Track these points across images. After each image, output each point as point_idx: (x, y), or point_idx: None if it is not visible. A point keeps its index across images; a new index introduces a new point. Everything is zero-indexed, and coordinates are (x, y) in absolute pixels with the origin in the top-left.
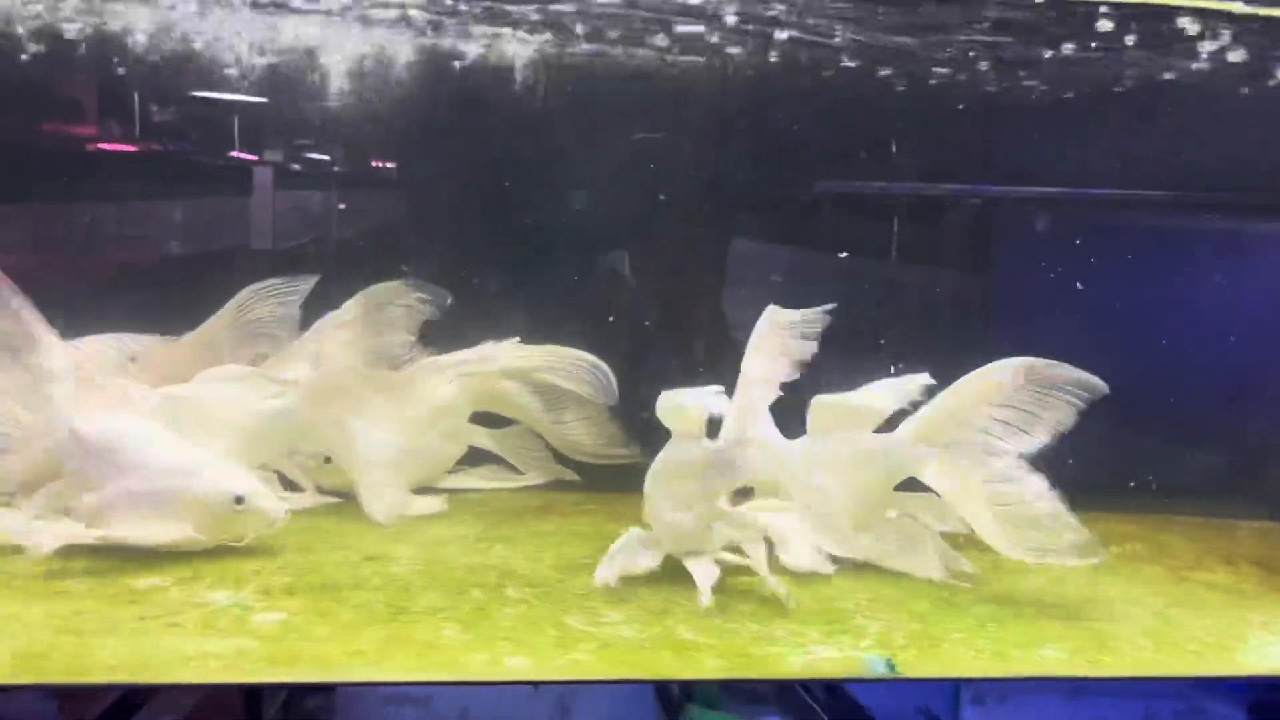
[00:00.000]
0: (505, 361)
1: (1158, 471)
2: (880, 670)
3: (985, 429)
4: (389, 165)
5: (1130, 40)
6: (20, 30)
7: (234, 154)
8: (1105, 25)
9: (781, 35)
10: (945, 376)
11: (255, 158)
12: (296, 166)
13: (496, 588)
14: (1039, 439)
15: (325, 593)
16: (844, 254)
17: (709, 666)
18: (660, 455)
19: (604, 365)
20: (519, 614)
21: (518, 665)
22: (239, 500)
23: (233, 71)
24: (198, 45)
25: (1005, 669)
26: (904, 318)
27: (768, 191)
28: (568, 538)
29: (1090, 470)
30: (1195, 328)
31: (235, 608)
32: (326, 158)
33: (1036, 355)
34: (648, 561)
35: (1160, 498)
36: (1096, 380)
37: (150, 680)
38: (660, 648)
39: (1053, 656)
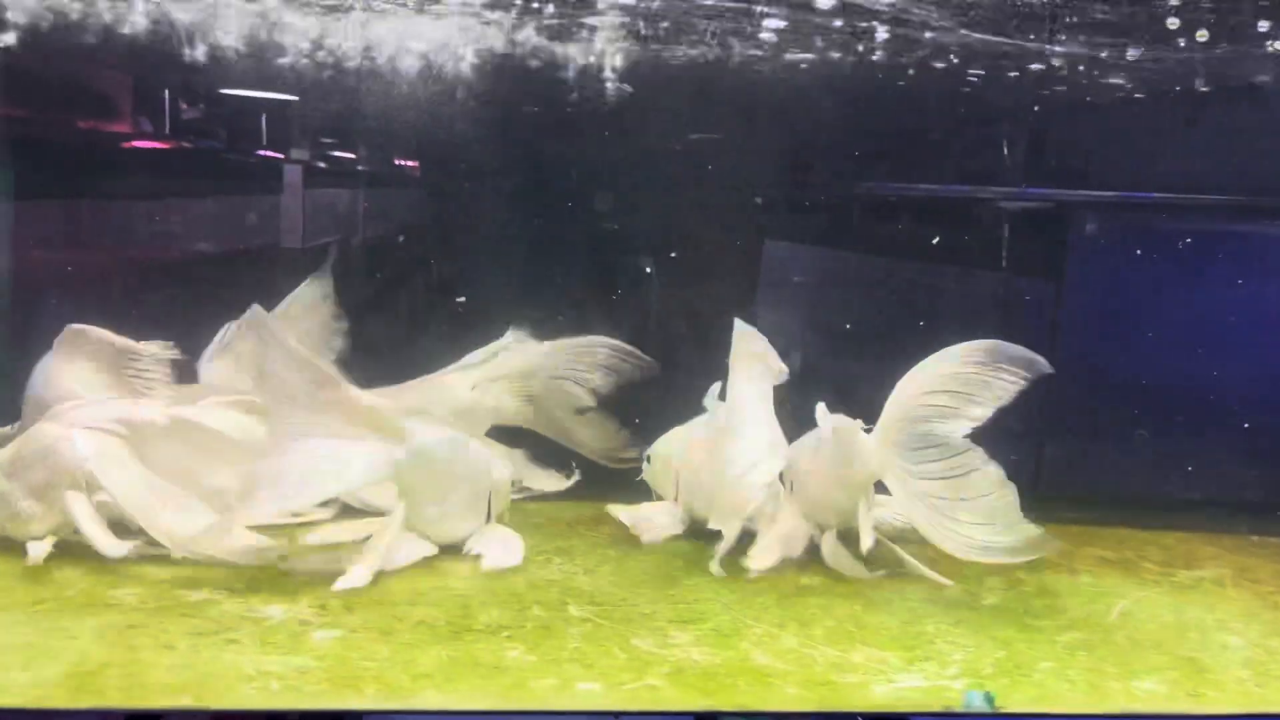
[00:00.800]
0: (524, 361)
1: (1232, 488)
2: (979, 705)
3: (932, 418)
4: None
5: (1203, 38)
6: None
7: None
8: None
9: (876, 31)
10: None
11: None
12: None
13: (559, 605)
14: (984, 413)
15: (383, 609)
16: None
17: (789, 695)
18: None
19: (625, 345)
20: (584, 634)
21: (589, 690)
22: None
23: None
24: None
25: (1103, 703)
26: (968, 322)
27: (843, 194)
28: (627, 550)
29: (1163, 486)
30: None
31: (292, 623)
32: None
33: (1108, 366)
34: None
35: (1235, 514)
36: (1039, 359)
37: (213, 705)
38: (736, 674)
39: (1151, 690)
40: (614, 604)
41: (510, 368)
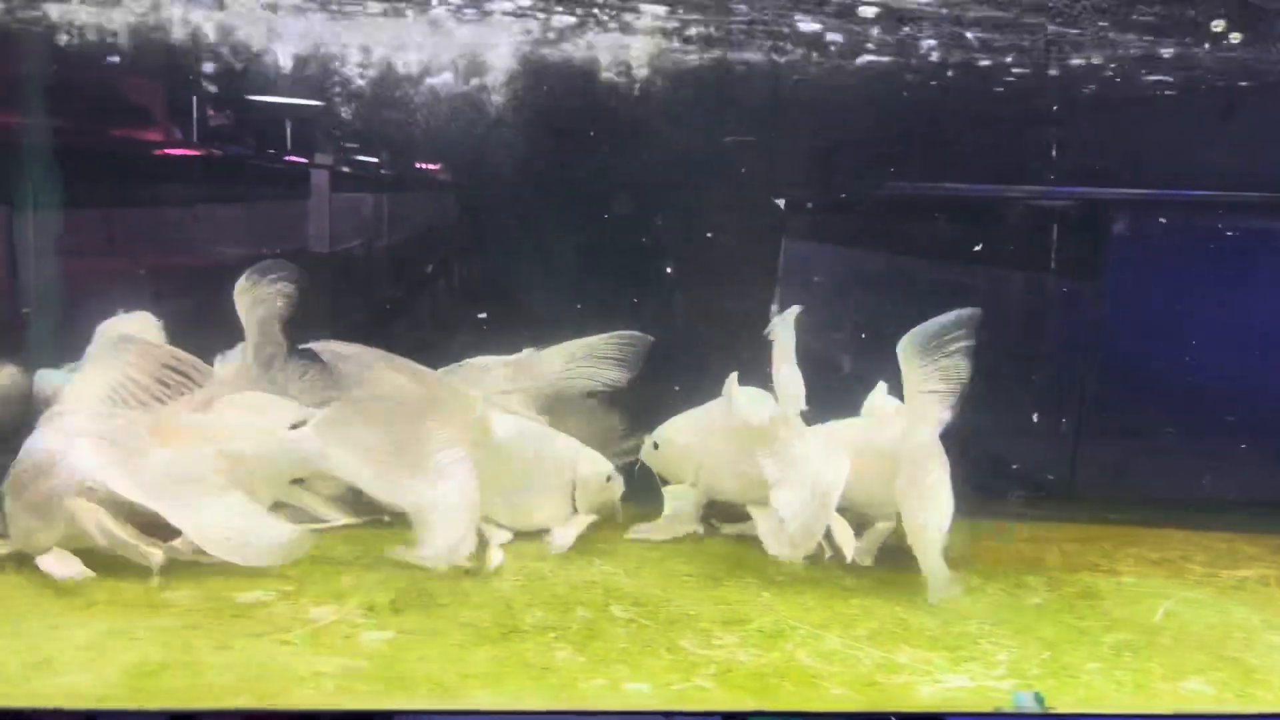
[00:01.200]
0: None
1: (1276, 488)
2: (1029, 705)
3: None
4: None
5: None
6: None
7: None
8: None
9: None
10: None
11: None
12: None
13: (602, 606)
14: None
15: (429, 610)
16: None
17: (834, 696)
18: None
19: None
20: (630, 634)
21: (638, 690)
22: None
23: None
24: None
25: (1151, 704)
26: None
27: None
28: (667, 552)
29: (1207, 486)
30: None
31: (342, 624)
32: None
33: (1153, 368)
34: None
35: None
36: (963, 311)
37: (270, 705)
38: (781, 675)
39: (1199, 690)
40: (657, 605)
41: (523, 380)
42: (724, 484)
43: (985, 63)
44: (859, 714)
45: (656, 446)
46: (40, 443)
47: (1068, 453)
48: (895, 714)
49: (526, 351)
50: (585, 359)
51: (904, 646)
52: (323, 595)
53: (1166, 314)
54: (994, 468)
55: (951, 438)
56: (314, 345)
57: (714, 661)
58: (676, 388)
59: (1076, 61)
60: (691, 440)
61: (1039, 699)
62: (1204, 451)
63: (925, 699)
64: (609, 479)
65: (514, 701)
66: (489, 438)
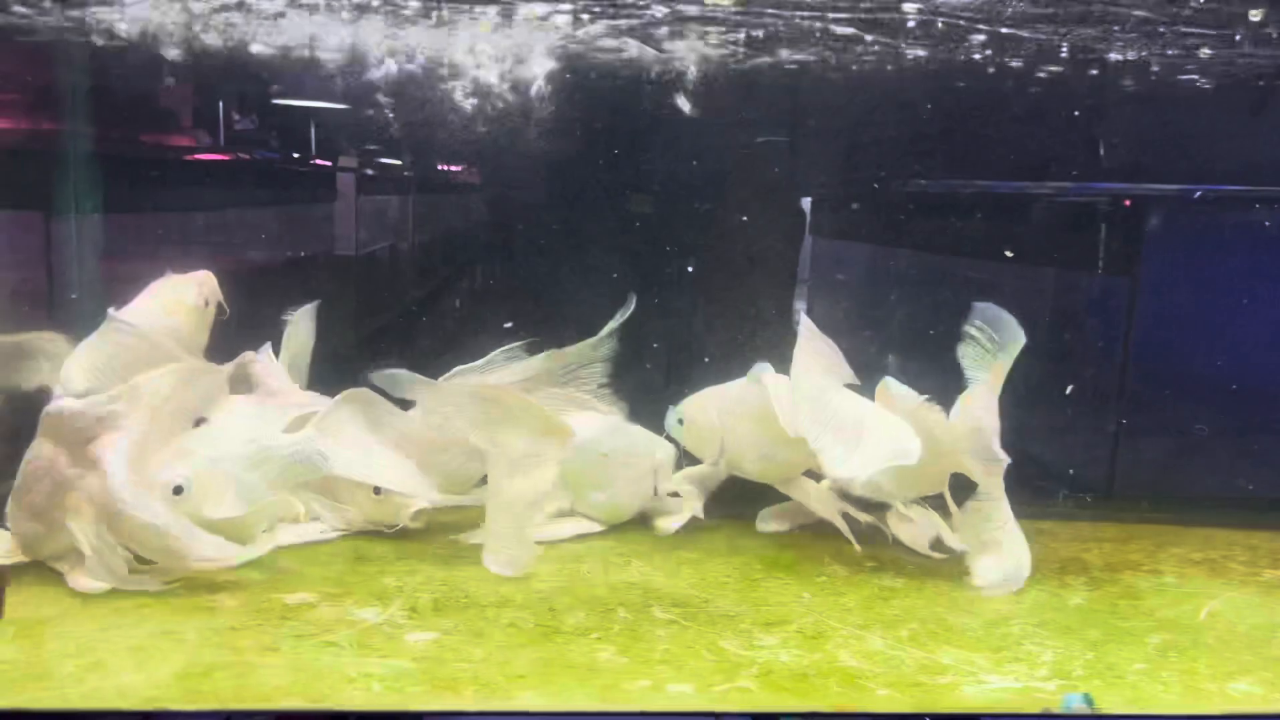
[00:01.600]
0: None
1: None
2: (1079, 706)
3: None
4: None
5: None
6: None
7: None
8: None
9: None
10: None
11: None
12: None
13: (642, 607)
14: None
15: (472, 611)
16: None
17: (880, 697)
18: None
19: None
20: (671, 636)
21: (682, 691)
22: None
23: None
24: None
25: (1199, 705)
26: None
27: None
28: (705, 553)
29: (1248, 484)
30: None
31: (386, 625)
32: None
33: (1194, 365)
34: None
35: None
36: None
37: (320, 705)
38: (825, 675)
39: (1248, 691)
40: (697, 606)
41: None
42: (747, 465)
43: (1015, 61)
44: (897, 714)
45: (681, 422)
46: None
47: (1107, 451)
48: (930, 715)
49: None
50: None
51: (947, 647)
52: (366, 597)
53: (1207, 310)
54: (1032, 466)
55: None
56: (380, 377)
57: (756, 662)
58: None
59: (1115, 57)
60: (715, 419)
61: (1088, 700)
62: (1247, 449)
63: (971, 699)
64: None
65: (560, 703)
66: (569, 439)
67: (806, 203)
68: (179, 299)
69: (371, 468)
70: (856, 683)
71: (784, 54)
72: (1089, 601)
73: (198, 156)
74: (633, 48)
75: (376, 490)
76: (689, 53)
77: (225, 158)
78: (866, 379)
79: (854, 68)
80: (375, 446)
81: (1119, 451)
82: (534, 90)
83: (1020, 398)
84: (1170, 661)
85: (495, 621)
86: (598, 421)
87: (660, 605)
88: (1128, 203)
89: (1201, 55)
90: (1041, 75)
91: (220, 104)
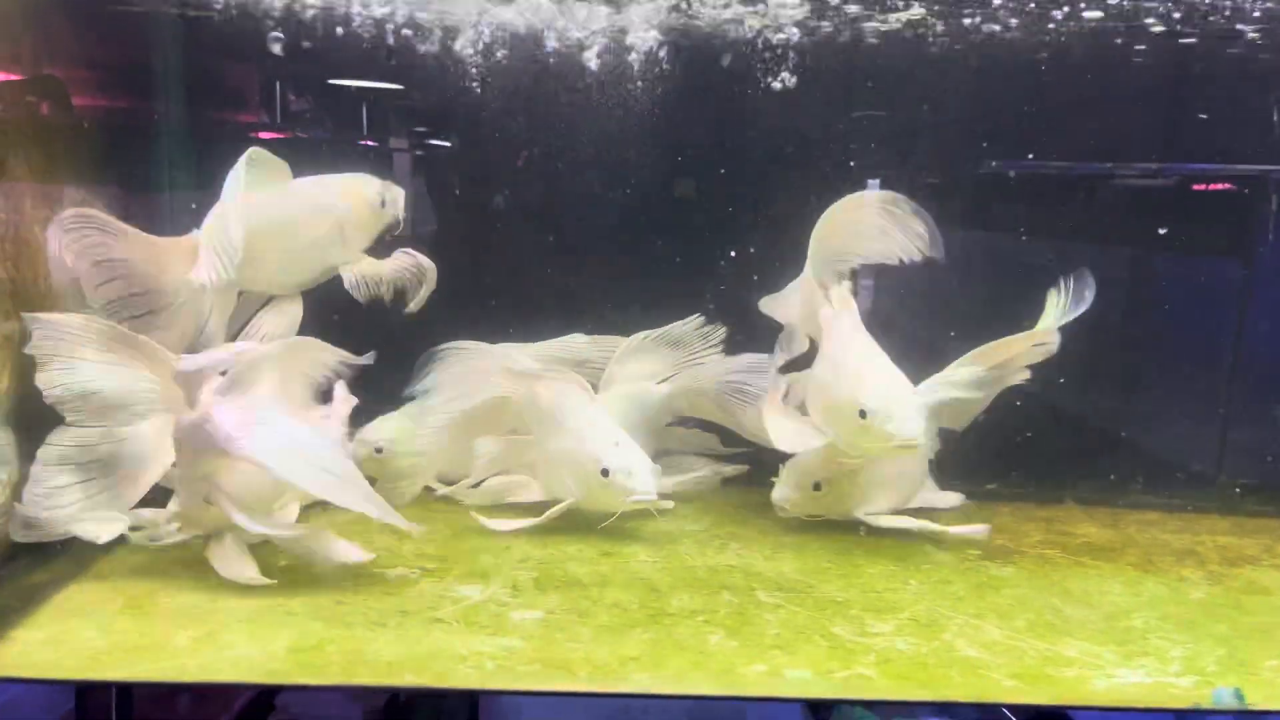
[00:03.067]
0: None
1: None
2: (1229, 702)
3: None
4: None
5: None
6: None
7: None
8: None
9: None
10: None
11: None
12: None
13: (746, 590)
14: None
15: (574, 590)
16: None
17: (1005, 688)
18: None
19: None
20: (780, 620)
21: (800, 677)
22: (605, 473)
23: None
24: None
25: None
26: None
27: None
28: (803, 538)
29: None
30: None
31: (490, 604)
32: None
33: None
34: None
35: None
36: None
37: (437, 683)
38: (945, 665)
39: None
40: (802, 590)
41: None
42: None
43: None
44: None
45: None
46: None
47: (1216, 441)
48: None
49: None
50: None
51: (1069, 639)
52: (467, 574)
53: None
54: (1140, 456)
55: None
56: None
57: (872, 650)
58: None
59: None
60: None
61: (1239, 695)
62: None
63: (1100, 693)
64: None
65: (676, 686)
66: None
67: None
68: (359, 190)
69: None
70: (978, 672)
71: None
72: (1211, 595)
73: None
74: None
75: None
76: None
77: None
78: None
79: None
80: None
81: (1228, 441)
82: (644, 60)
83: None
84: None
85: (599, 602)
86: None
87: (764, 589)
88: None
89: None
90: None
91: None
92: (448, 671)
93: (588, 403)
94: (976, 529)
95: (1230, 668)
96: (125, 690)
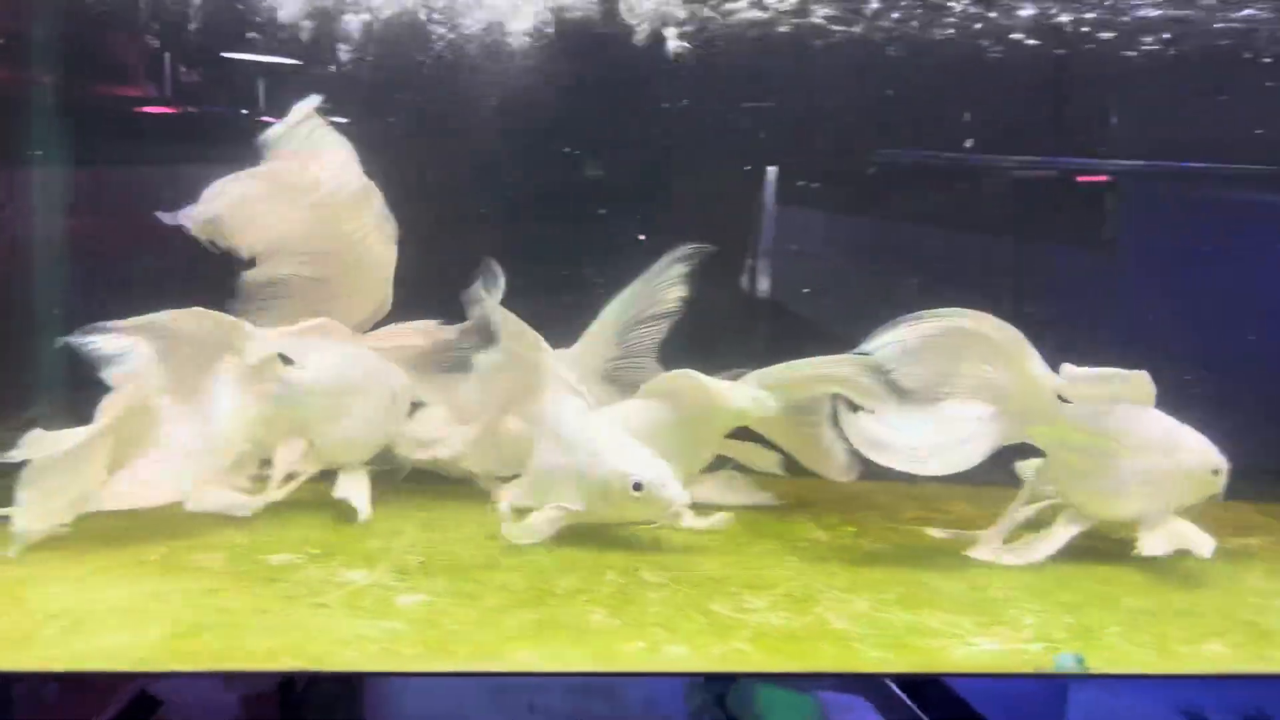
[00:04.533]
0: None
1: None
2: (1071, 666)
3: None
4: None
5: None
6: None
7: None
8: None
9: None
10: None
11: None
12: None
13: (631, 571)
14: None
15: (461, 573)
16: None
17: (871, 658)
18: None
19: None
20: (662, 599)
21: (678, 653)
22: (638, 487)
23: None
24: None
25: (1173, 665)
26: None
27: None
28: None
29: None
30: None
31: (376, 588)
32: None
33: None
34: None
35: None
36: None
37: (315, 666)
38: (816, 638)
39: (1218, 651)
40: (685, 570)
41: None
42: None
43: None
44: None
45: None
46: None
47: None
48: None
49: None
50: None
51: (932, 611)
52: (353, 559)
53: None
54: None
55: None
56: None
57: (748, 625)
58: None
59: (1105, 35)
60: None
61: (1081, 660)
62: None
63: (958, 660)
64: (637, 489)
65: (555, 663)
66: None
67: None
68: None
69: None
70: (846, 644)
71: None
72: (1070, 569)
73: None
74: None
75: None
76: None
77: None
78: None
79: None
80: None
81: None
82: (518, 46)
83: None
84: (1144, 625)
85: (485, 584)
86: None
87: (649, 570)
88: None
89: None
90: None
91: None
92: (327, 655)
93: (590, 413)
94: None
95: (1076, 634)
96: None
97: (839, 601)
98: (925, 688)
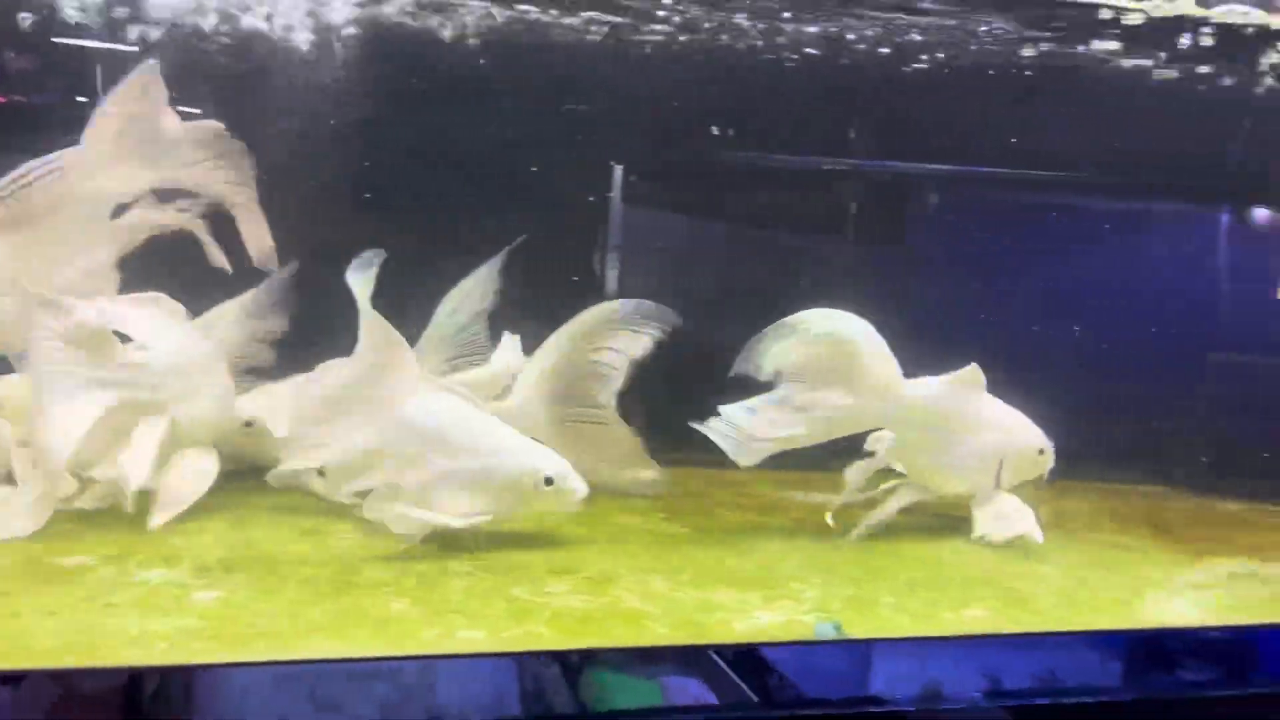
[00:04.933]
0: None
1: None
2: (829, 634)
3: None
4: None
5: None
6: None
7: None
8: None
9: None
10: None
11: None
12: None
13: (439, 560)
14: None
15: (263, 568)
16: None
17: (659, 634)
18: None
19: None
20: (465, 586)
21: (472, 637)
22: (548, 481)
23: None
24: None
25: (935, 629)
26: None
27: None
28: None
29: None
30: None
31: (171, 586)
32: None
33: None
34: None
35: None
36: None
37: (98, 663)
38: (610, 617)
39: (978, 616)
40: (492, 558)
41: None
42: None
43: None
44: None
45: None
46: None
47: None
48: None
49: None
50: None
51: (724, 587)
52: (151, 558)
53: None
54: None
55: None
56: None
57: (547, 608)
58: None
59: (910, 38)
60: None
61: (838, 627)
62: None
63: (740, 633)
64: (548, 482)
65: (354, 651)
66: None
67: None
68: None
69: None
70: (638, 622)
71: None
72: (859, 545)
73: None
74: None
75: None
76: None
77: None
78: None
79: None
80: None
81: None
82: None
83: None
84: (918, 595)
85: (290, 579)
86: None
87: (456, 559)
88: None
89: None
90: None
91: None
92: (114, 654)
93: (479, 412)
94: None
95: (853, 605)
96: None
97: (638, 582)
98: (749, 662)
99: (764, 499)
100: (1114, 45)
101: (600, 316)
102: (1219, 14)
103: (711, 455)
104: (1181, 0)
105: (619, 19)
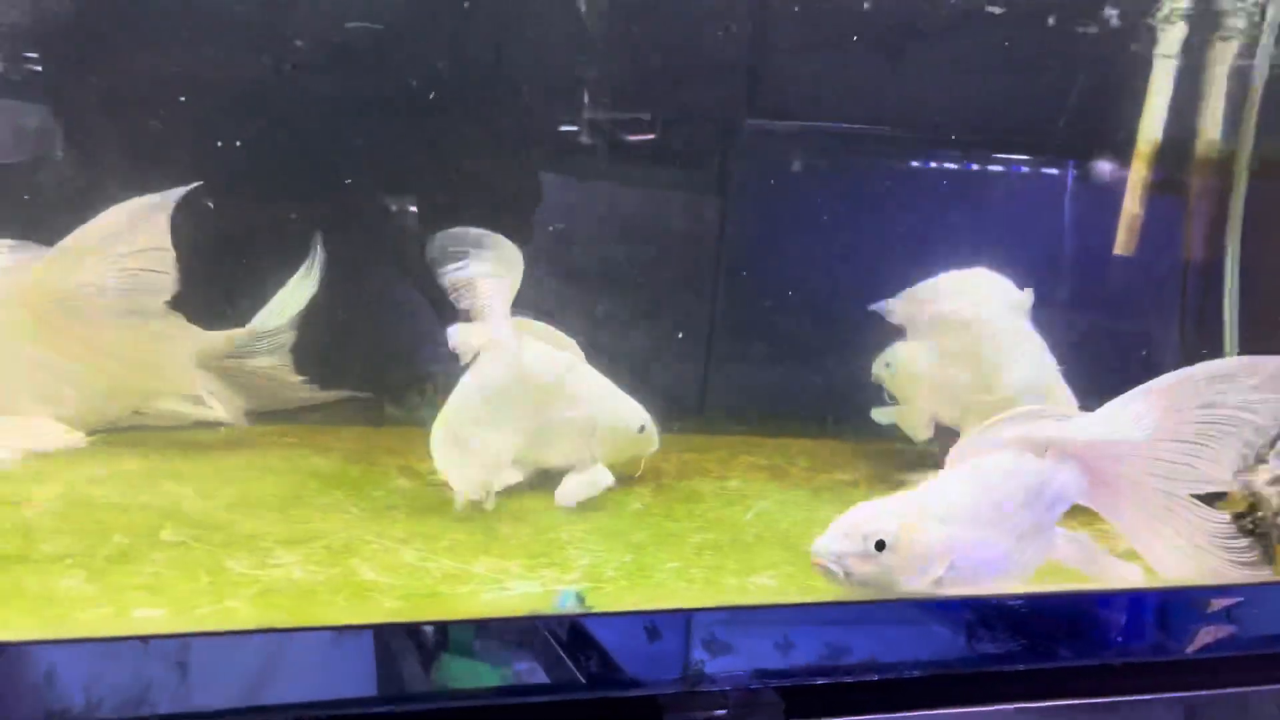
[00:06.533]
0: None
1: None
2: (570, 605)
3: None
4: None
5: None
6: None
7: None
8: None
9: None
10: None
11: None
12: None
13: (149, 530)
14: None
15: None
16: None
17: (385, 609)
18: None
19: None
20: (172, 560)
21: (149, 617)
22: (641, 428)
23: None
24: None
25: (715, 598)
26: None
27: None
28: (257, 473)
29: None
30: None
31: None
32: None
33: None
34: None
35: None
36: None
37: None
38: (336, 591)
39: (766, 584)
40: (219, 528)
41: None
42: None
43: None
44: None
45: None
46: None
47: (698, 371)
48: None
49: None
50: None
51: (485, 557)
52: None
53: (795, 238)
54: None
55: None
56: None
57: (259, 582)
58: None
59: None
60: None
61: (580, 597)
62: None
63: (481, 606)
64: (642, 429)
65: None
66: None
67: None
68: None
69: None
70: (365, 596)
71: None
72: (649, 506)
73: None
74: None
75: None
76: None
77: None
78: None
79: None
80: None
81: (710, 370)
82: None
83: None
84: (704, 560)
85: None
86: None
87: (174, 527)
88: None
89: None
90: None
91: None
92: None
93: (582, 362)
94: None
95: (629, 571)
96: None
97: (384, 552)
98: (573, 638)
99: None
100: None
101: None
102: None
103: None
104: None
105: None
